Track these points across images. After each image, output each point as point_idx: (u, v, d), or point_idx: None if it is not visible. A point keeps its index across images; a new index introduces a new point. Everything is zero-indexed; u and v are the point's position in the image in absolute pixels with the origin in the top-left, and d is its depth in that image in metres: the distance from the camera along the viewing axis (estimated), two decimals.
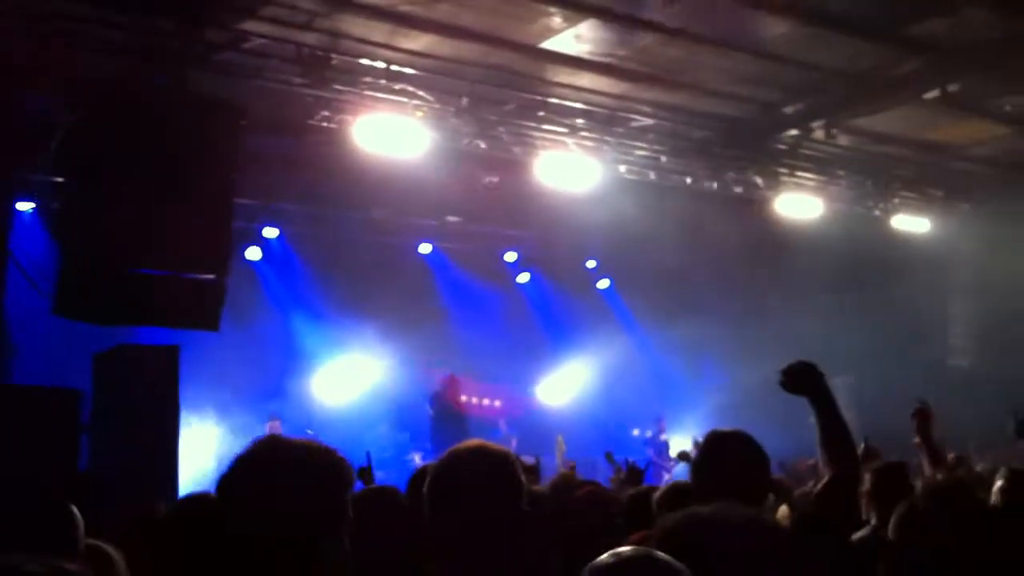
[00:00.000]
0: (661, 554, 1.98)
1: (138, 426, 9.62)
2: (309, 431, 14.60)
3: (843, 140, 13.40)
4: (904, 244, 15.40)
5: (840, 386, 15.18)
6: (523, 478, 2.70)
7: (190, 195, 9.12)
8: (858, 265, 15.23)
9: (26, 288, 10.50)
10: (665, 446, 16.72)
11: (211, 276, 9.49)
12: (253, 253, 15.27)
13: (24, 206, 12.88)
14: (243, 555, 2.35)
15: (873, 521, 4.84)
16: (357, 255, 16.38)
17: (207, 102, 9.27)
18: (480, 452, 2.75)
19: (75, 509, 3.57)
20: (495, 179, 14.24)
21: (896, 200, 15.37)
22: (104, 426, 9.62)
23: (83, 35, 8.99)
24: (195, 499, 4.00)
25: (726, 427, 3.88)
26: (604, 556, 1.99)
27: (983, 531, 3.09)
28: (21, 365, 11.28)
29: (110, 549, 3.45)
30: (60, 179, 10.64)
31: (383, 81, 10.59)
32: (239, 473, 2.44)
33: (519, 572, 2.58)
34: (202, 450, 13.74)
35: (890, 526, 3.43)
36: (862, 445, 6.62)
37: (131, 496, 8.59)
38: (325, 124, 10.85)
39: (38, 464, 7.58)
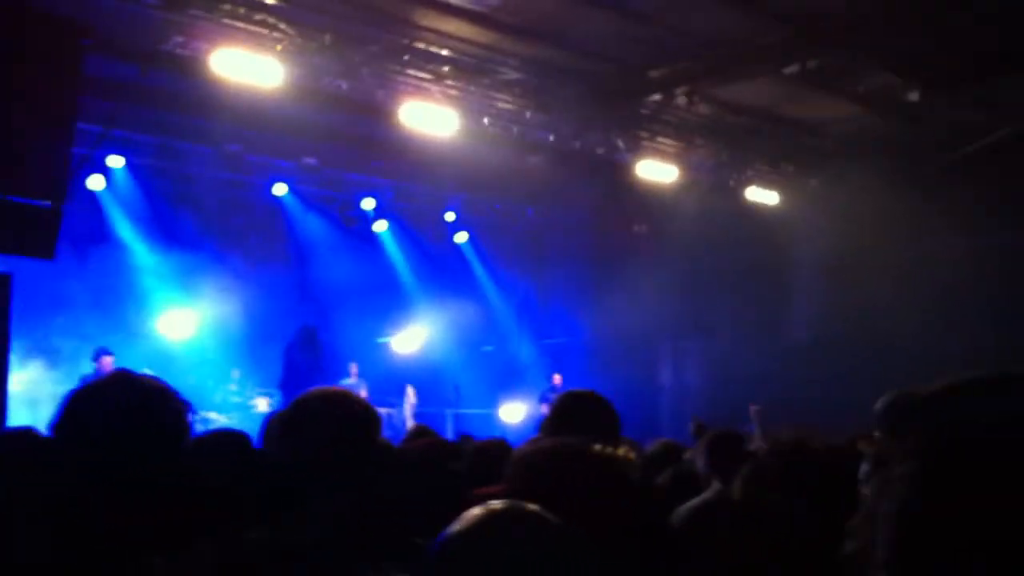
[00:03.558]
0: (530, 505, 1.93)
1: None
2: (147, 370, 14.08)
3: (703, 108, 13.57)
4: (756, 215, 15.77)
5: (690, 349, 15.59)
6: (376, 429, 2.68)
7: (26, 116, 8.64)
8: (711, 234, 15.54)
9: None
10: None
11: (47, 202, 9.02)
12: (96, 182, 14.50)
13: None
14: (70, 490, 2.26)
15: (716, 486, 4.88)
16: (208, 191, 15.82)
17: (47, 18, 8.74)
18: (335, 398, 2.70)
19: None
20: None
21: (750, 171, 15.71)
22: None
23: None
24: (17, 434, 3.72)
25: (573, 382, 3.90)
26: (475, 509, 1.93)
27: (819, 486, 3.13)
28: None
29: None
30: None
31: (242, 10, 10.18)
32: (86, 405, 2.34)
33: (367, 511, 2.54)
34: (30, 384, 13.14)
35: (734, 485, 3.45)
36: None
37: None
38: (179, 51, 10.36)
39: None
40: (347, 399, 2.75)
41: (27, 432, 3.64)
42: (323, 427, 2.62)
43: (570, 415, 3.71)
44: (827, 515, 2.50)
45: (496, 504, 1.97)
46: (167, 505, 2.33)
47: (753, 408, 8.92)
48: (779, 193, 15.93)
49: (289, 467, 2.62)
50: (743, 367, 14.43)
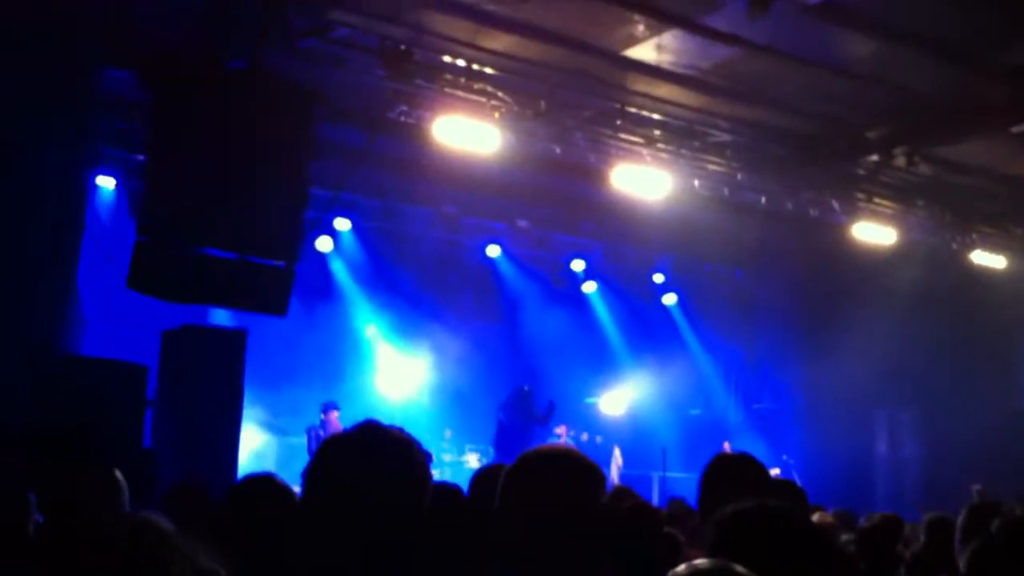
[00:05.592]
0: (738, 567, 1.96)
1: (202, 406, 9.74)
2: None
3: (924, 169, 13.13)
4: (980, 279, 15.04)
5: (907, 415, 14.87)
6: (601, 491, 2.63)
7: (265, 180, 9.25)
8: (933, 297, 14.89)
9: (100, 262, 10.71)
10: None
11: (281, 262, 9.59)
12: (324, 243, 15.35)
13: (106, 181, 13.10)
14: (315, 538, 2.33)
15: None
16: (426, 251, 16.47)
17: (283, 87, 9.37)
18: (567, 457, 2.68)
19: (119, 474, 3.58)
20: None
21: (975, 234, 15.00)
22: (168, 404, 9.75)
23: (165, 11, 9.08)
24: (257, 480, 3.95)
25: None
26: (681, 567, 1.98)
27: None
28: (91, 338, 11.46)
29: (161, 520, 3.42)
30: (141, 156, 10.83)
31: (463, 79, 10.63)
32: (339, 455, 2.41)
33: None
34: (258, 435, 13.85)
35: (965, 562, 3.35)
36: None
37: (190, 474, 8.71)
38: (403, 119, 10.91)
39: (103, 436, 7.66)
40: (571, 457, 2.70)
41: (269, 478, 3.85)
42: (547, 484, 2.58)
43: (720, 478, 3.66)
44: None
45: (702, 563, 1.99)
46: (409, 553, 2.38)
47: (975, 488, 8.53)
48: (1006, 257, 15.14)
49: (507, 521, 2.57)
50: (964, 439, 13.69)
